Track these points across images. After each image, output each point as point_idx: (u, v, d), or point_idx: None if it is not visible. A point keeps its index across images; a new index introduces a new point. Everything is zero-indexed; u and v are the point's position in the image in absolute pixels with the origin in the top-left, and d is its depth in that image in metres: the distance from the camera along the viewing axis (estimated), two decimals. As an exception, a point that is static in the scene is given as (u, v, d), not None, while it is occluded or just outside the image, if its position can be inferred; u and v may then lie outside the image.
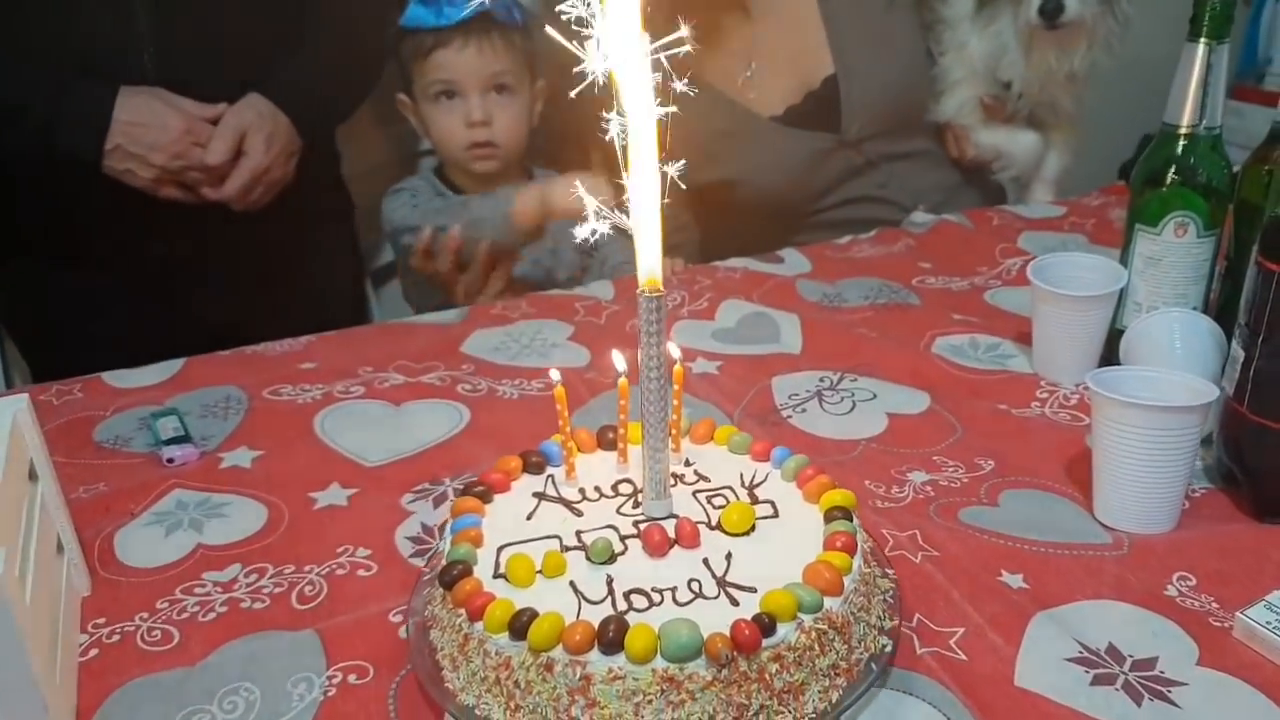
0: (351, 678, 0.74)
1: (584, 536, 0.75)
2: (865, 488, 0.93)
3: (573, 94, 0.65)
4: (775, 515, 0.77)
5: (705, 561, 0.72)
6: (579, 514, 0.78)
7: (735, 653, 0.64)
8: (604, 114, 0.66)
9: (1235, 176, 1.03)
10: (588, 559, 0.72)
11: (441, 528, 0.89)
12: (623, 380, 0.82)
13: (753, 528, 0.75)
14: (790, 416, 1.06)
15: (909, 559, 0.84)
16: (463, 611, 0.69)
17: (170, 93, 1.32)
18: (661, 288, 0.70)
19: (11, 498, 0.71)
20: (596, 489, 0.81)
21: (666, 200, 0.68)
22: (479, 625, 0.67)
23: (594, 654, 0.64)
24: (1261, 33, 2.87)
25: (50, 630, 0.72)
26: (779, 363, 1.18)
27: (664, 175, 0.67)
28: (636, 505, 0.78)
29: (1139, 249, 1.07)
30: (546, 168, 1.78)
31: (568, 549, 0.74)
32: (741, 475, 0.82)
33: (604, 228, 0.68)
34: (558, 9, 0.62)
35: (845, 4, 1.69)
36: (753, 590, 0.69)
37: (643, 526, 0.75)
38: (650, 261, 0.70)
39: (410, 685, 0.73)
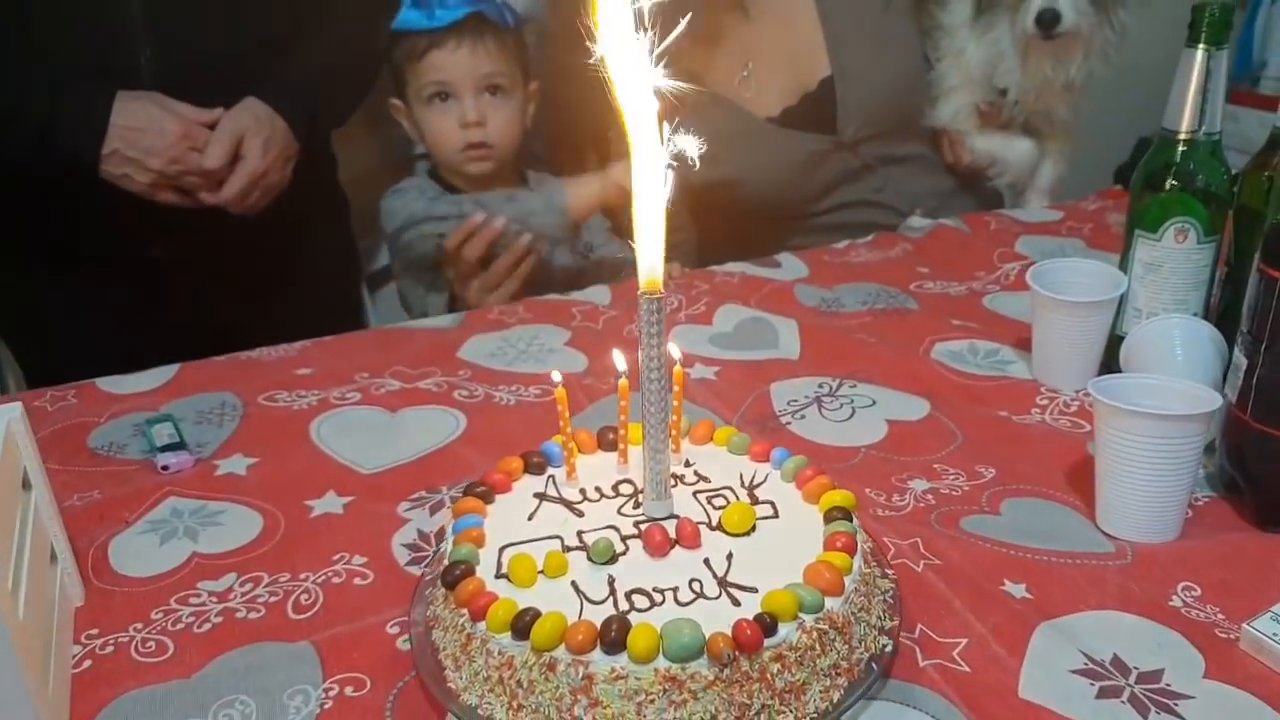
0: (349, 690, 0.73)
1: (585, 537, 0.75)
2: (866, 496, 0.93)
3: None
4: (775, 516, 0.78)
5: (706, 562, 0.72)
6: (580, 514, 0.79)
7: (737, 652, 0.64)
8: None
9: (1235, 181, 1.03)
10: (589, 559, 0.73)
11: (439, 534, 0.88)
12: (623, 381, 0.81)
13: (753, 528, 0.76)
14: (789, 423, 1.06)
15: (911, 568, 0.83)
16: (465, 611, 0.69)
17: (167, 97, 1.32)
18: (662, 289, 0.71)
19: (4, 508, 0.70)
20: (597, 489, 0.81)
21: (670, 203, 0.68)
22: (482, 625, 0.68)
23: (596, 654, 0.64)
24: (1256, 36, 2.87)
25: (43, 642, 0.71)
26: (777, 368, 1.17)
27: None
28: (637, 506, 0.79)
29: (1139, 255, 1.07)
30: (541, 171, 1.77)
31: (569, 549, 0.74)
32: (741, 476, 0.82)
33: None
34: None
35: (842, 6, 1.69)
36: (754, 590, 0.69)
37: (644, 527, 0.75)
38: (651, 262, 0.70)
39: (408, 697, 0.72)
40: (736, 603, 0.68)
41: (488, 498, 0.80)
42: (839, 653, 0.68)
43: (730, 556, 0.72)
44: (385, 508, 0.94)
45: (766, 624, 0.65)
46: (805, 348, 1.22)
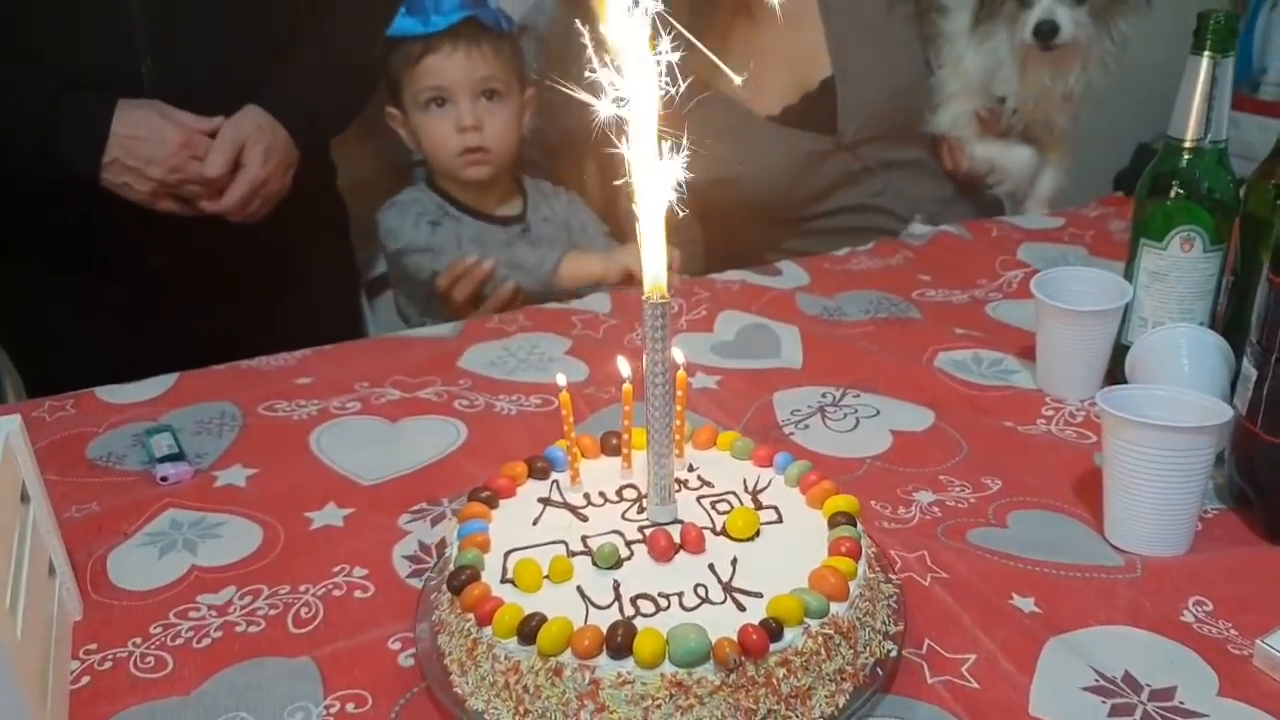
0: (350, 706, 0.72)
1: (590, 541, 0.75)
2: (872, 508, 0.92)
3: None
4: (779, 520, 0.78)
5: (711, 567, 0.72)
6: (584, 519, 0.79)
7: (743, 657, 0.64)
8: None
9: (1240, 188, 1.02)
10: (594, 564, 0.73)
11: (440, 546, 0.87)
12: (627, 386, 0.81)
13: (757, 533, 0.76)
14: (793, 433, 1.05)
15: (918, 581, 0.83)
16: (471, 616, 0.69)
17: (168, 106, 1.31)
18: (667, 295, 0.71)
19: (3, 523, 0.69)
20: (601, 494, 0.81)
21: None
22: (488, 630, 0.68)
23: (603, 658, 0.65)
24: (1256, 41, 2.87)
25: (41, 659, 0.70)
26: (780, 378, 1.16)
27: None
28: (641, 510, 0.79)
29: (1144, 263, 1.06)
30: (539, 178, 1.77)
31: (574, 554, 0.74)
32: (745, 480, 0.83)
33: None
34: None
35: (845, 8, 1.69)
36: (759, 595, 0.69)
37: (648, 532, 0.75)
38: (655, 269, 0.71)
39: (410, 714, 0.72)
40: (742, 608, 0.68)
41: (492, 503, 0.81)
42: (844, 658, 0.68)
43: (735, 561, 0.73)
44: (386, 520, 0.93)
45: (772, 629, 0.65)
46: (808, 356, 1.21)
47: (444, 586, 0.74)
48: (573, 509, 0.80)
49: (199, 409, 1.11)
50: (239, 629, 0.80)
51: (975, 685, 0.72)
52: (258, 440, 1.05)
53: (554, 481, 0.83)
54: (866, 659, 0.70)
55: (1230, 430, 0.89)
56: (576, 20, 0.64)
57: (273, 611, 0.82)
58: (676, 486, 0.79)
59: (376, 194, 1.69)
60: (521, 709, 0.66)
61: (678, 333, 1.26)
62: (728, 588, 0.70)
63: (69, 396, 1.14)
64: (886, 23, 1.70)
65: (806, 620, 0.67)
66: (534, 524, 0.78)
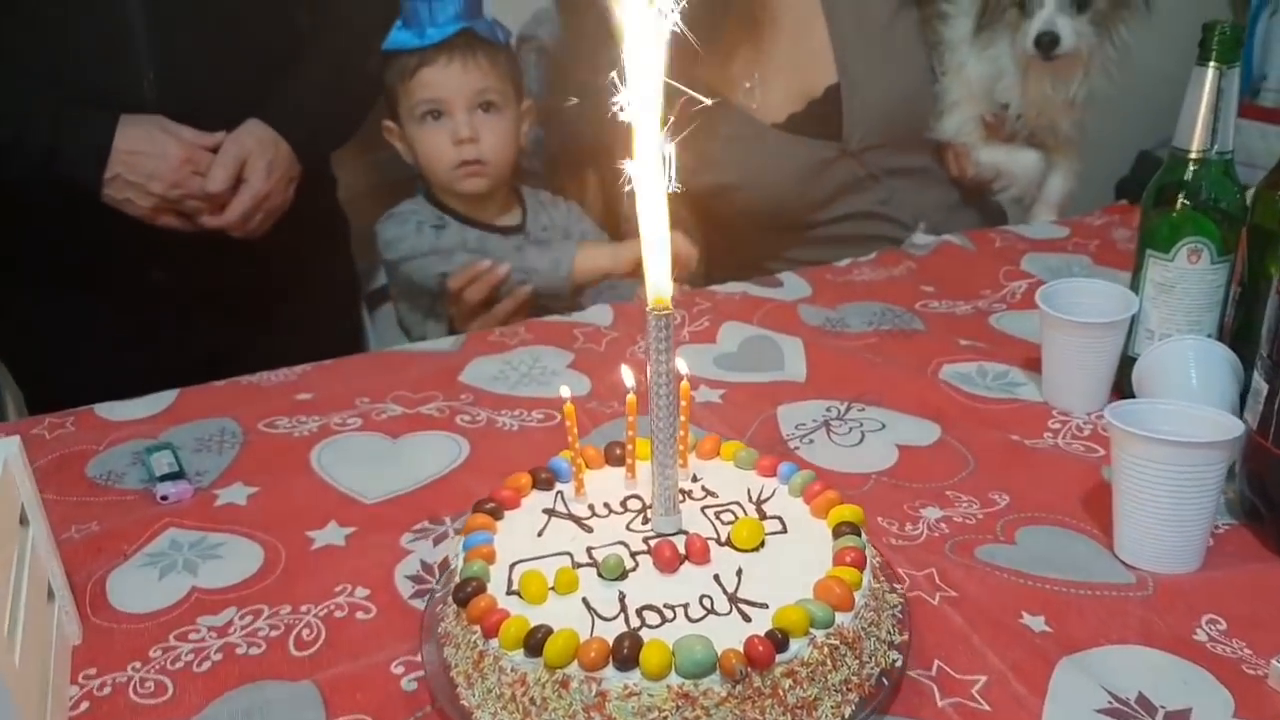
0: (353, 731, 0.72)
1: (595, 553, 0.75)
2: (879, 524, 0.91)
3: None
4: (784, 531, 0.78)
5: (716, 578, 0.72)
6: (589, 530, 0.79)
7: (749, 668, 0.64)
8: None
9: (1247, 199, 1.01)
10: (599, 575, 0.73)
11: (443, 565, 0.86)
12: (631, 397, 0.81)
13: (762, 543, 0.76)
14: (798, 448, 1.04)
15: (927, 600, 0.82)
16: (477, 628, 0.69)
17: (170, 121, 1.31)
18: (670, 307, 0.71)
19: (1, 546, 0.68)
20: (606, 505, 0.81)
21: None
22: (494, 642, 0.68)
23: (609, 670, 0.65)
24: (1256, 48, 2.86)
25: (40, 686, 0.69)
26: (784, 391, 1.15)
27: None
28: (645, 521, 0.79)
29: (1151, 275, 1.05)
30: (538, 188, 1.76)
31: (579, 565, 0.74)
32: (749, 491, 0.82)
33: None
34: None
35: (850, 14, 1.69)
36: (764, 606, 0.69)
37: (653, 543, 0.75)
38: (659, 280, 0.70)
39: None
40: (747, 619, 0.68)
41: (497, 514, 0.80)
42: (850, 668, 0.68)
43: (740, 572, 0.73)
44: (388, 539, 0.92)
45: (778, 640, 0.65)
46: (812, 370, 1.20)
47: (450, 599, 0.73)
48: (577, 520, 0.80)
49: (199, 426, 1.10)
50: (239, 650, 0.79)
51: (986, 708, 0.71)
52: (258, 458, 1.05)
53: (558, 492, 0.83)
54: (872, 669, 0.70)
55: (1241, 445, 0.88)
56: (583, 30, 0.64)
57: (274, 633, 0.81)
58: (681, 497, 0.79)
59: (376, 207, 1.69)
60: None
61: (680, 344, 1.25)
62: (733, 599, 0.70)
63: (68, 414, 1.13)
64: (891, 29, 1.70)
65: (812, 631, 0.67)
66: (539, 535, 0.78)
